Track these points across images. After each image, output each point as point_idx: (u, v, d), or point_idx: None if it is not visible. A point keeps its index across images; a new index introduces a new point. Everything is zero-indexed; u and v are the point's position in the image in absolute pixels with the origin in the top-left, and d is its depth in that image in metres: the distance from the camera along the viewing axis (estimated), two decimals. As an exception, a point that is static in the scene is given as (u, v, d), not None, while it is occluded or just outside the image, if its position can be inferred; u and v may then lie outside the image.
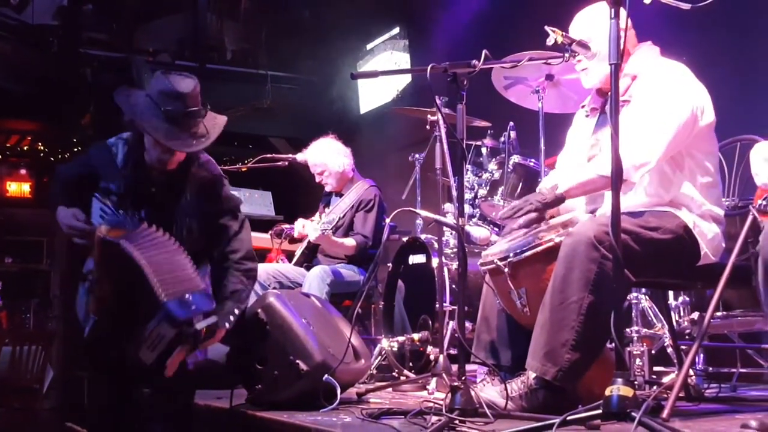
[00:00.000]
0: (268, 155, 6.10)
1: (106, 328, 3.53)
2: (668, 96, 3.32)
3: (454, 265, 4.75)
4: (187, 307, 3.32)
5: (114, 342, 3.49)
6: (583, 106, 3.79)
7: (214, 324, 3.42)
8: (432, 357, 4.67)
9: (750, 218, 3.20)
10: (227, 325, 3.50)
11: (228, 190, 3.88)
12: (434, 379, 4.14)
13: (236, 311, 3.57)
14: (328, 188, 6.05)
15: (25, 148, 12.89)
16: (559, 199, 3.37)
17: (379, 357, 5.07)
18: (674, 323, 4.39)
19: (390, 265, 5.48)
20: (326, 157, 5.93)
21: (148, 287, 3.28)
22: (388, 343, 5.01)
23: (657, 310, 4.67)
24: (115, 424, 3.65)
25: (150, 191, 3.71)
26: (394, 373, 4.91)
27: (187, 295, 3.36)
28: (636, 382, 3.33)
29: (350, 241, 5.69)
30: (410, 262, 5.36)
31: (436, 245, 4.80)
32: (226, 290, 3.62)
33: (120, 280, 3.42)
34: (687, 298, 4.65)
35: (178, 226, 3.67)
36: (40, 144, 12.81)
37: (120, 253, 3.34)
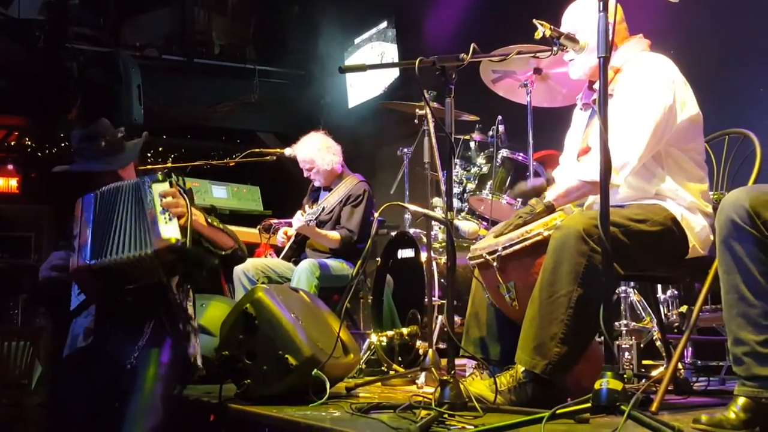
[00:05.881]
0: (256, 150, 6.09)
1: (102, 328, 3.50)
2: (645, 92, 3.32)
3: (443, 259, 4.74)
4: None
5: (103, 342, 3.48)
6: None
7: None
8: (421, 351, 4.67)
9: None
10: None
11: None
12: (423, 373, 4.15)
13: None
14: (316, 184, 6.05)
15: (12, 143, 12.81)
16: (549, 209, 3.38)
17: (369, 351, 5.07)
18: (663, 317, 4.40)
19: (378, 259, 5.48)
20: (315, 154, 5.91)
21: None
22: (377, 338, 5.00)
23: (645, 303, 4.69)
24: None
25: None
26: (383, 368, 4.90)
27: None
28: (625, 376, 3.33)
29: (334, 234, 5.68)
30: (399, 257, 5.35)
31: (424, 239, 4.79)
32: None
33: None
34: (675, 292, 4.67)
35: None
36: (27, 139, 12.73)
37: None
